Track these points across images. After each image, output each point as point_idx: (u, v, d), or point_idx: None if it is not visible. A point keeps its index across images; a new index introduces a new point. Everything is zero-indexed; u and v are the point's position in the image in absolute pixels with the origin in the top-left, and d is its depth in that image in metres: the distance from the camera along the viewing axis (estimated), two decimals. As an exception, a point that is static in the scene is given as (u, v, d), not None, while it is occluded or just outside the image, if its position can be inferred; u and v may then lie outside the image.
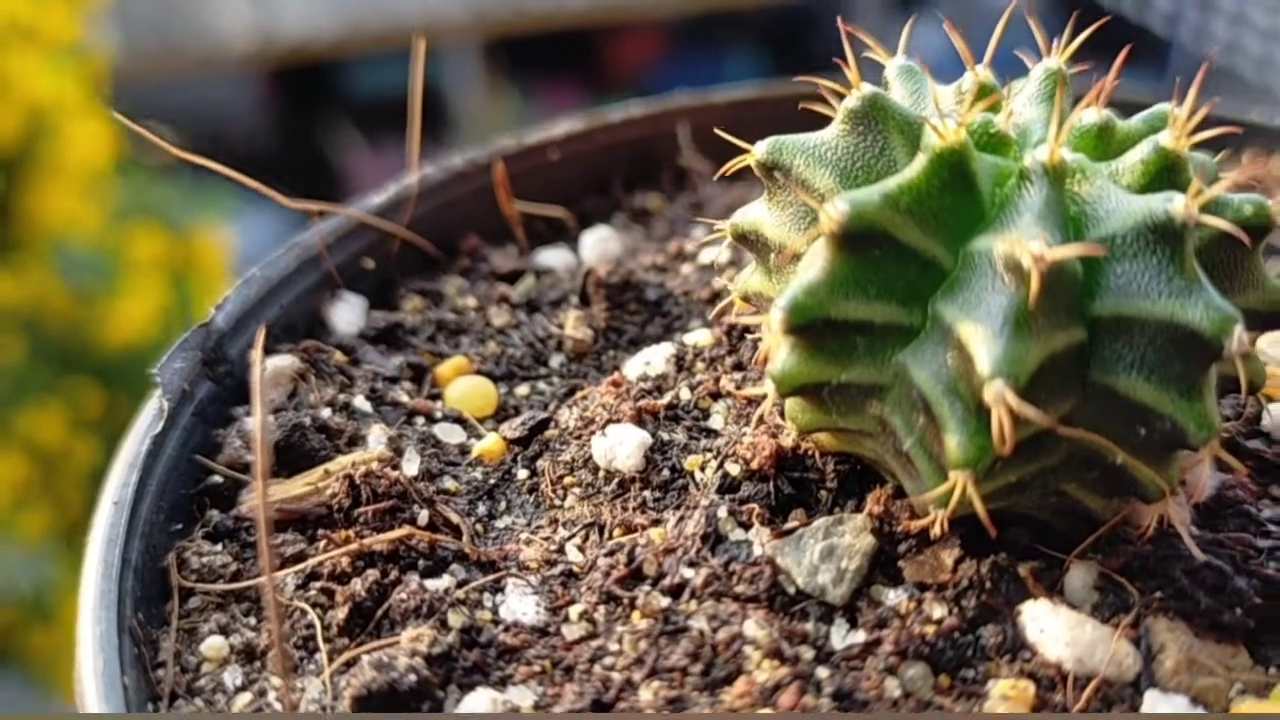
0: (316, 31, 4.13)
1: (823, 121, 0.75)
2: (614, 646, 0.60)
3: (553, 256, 0.90)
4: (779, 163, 0.64)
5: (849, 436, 0.65)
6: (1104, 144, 0.64)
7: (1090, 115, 0.64)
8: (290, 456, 0.71)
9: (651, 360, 0.77)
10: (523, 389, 0.79)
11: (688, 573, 0.63)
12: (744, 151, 0.65)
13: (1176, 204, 0.56)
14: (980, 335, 0.55)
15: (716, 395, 0.75)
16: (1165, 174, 0.61)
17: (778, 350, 0.61)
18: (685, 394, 0.75)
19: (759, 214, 0.66)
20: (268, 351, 0.77)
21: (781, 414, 0.66)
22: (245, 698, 0.59)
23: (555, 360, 0.81)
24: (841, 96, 0.65)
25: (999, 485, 0.59)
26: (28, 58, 2.72)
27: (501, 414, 0.78)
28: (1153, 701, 0.57)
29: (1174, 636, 0.59)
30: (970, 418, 0.56)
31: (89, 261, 2.53)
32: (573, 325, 0.82)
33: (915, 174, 0.58)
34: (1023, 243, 0.54)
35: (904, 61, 0.69)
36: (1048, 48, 0.68)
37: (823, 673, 0.58)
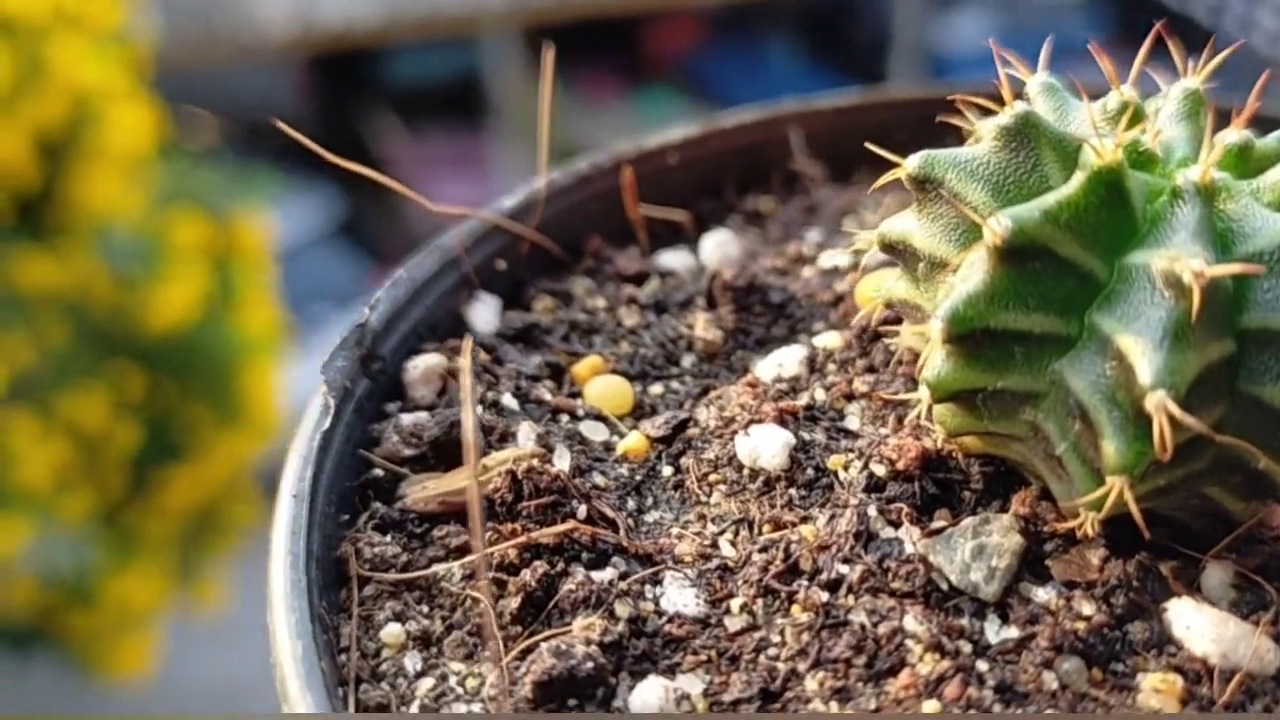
0: (357, 19, 4.16)
1: (925, 127, 0.79)
2: (776, 638, 0.63)
3: (674, 259, 0.93)
4: (931, 176, 0.67)
5: (997, 440, 0.68)
6: (1244, 162, 0.66)
7: (1233, 135, 0.66)
8: (448, 452, 0.74)
9: (784, 362, 0.80)
10: (657, 388, 0.82)
11: (843, 569, 0.66)
12: (892, 164, 0.68)
13: (1323, 223, 0.58)
14: (1141, 347, 0.58)
15: (850, 396, 0.78)
16: (1318, 193, 0.63)
17: (933, 357, 0.64)
18: (820, 395, 0.78)
19: (908, 224, 0.69)
20: (415, 350, 0.81)
21: (929, 417, 0.68)
22: (428, 682, 0.63)
23: (687, 360, 0.84)
24: (985, 110, 0.68)
25: (1149, 488, 0.62)
26: (71, 44, 2.75)
27: (639, 412, 0.81)
28: (1298, 697, 0.60)
29: (1319, 636, 0.62)
30: (1129, 425, 0.59)
31: (132, 247, 2.57)
32: (702, 326, 0.85)
33: (1074, 191, 0.61)
34: (1183, 260, 0.57)
35: (1046, 78, 0.71)
36: (1184, 68, 0.70)
37: (982, 666, 0.61)
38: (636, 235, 0.94)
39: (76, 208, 2.99)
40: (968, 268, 0.63)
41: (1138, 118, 0.68)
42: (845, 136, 0.98)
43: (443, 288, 0.84)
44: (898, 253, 0.70)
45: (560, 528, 0.68)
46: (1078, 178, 0.61)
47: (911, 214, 0.69)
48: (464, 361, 0.58)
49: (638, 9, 3.99)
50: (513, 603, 0.65)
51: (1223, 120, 0.67)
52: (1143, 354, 0.57)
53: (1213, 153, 0.62)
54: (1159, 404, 0.56)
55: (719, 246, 0.94)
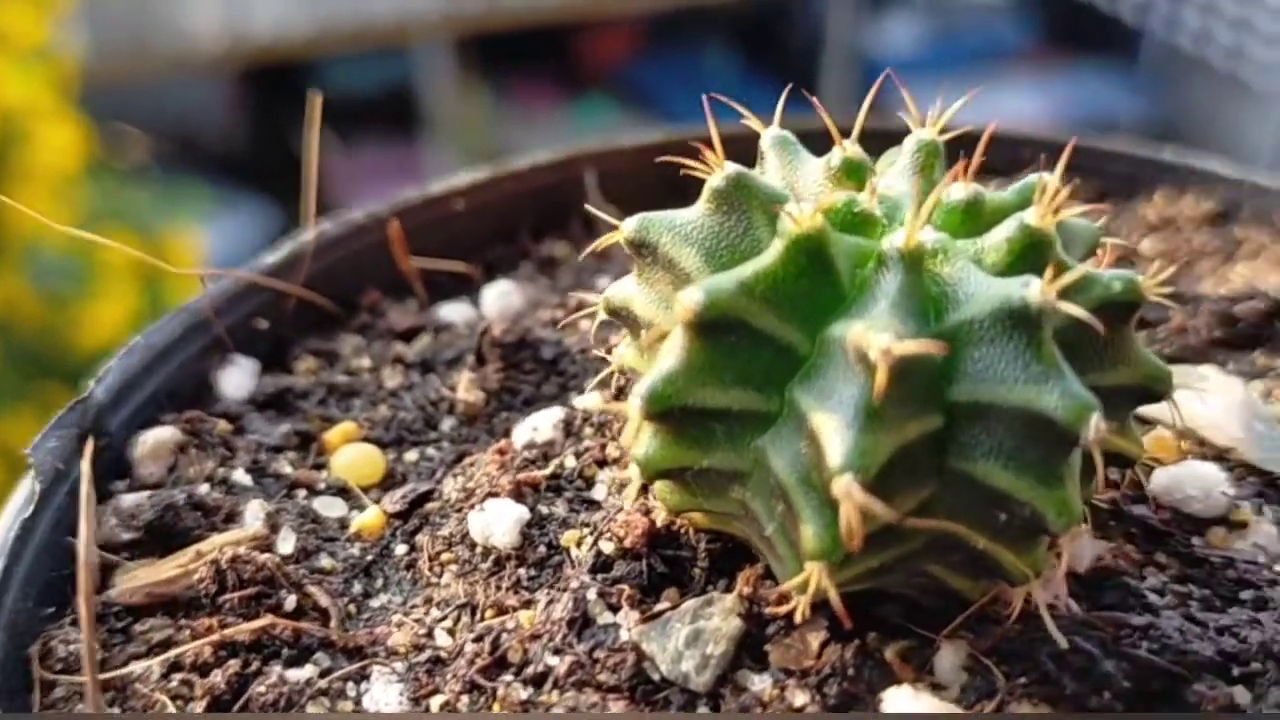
0: (288, 30, 4.12)
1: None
2: (477, 740, 0.60)
3: (454, 311, 0.89)
4: (646, 241, 0.63)
5: (718, 517, 0.64)
6: (972, 219, 0.63)
7: (958, 191, 0.63)
8: (163, 536, 0.70)
9: (539, 426, 0.77)
10: (412, 455, 0.78)
11: (552, 660, 0.62)
12: (614, 227, 0.64)
13: (1032, 290, 0.55)
14: (831, 426, 0.54)
15: (603, 463, 0.74)
16: (1030, 252, 0.60)
17: (641, 434, 0.61)
18: (570, 461, 0.74)
19: (630, 290, 0.65)
20: (149, 423, 0.76)
21: (648, 494, 0.65)
22: (98, 797, 0.59)
23: (447, 424, 0.80)
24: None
25: (860, 571, 0.59)
26: (-3, 62, 2.67)
27: (389, 481, 0.77)
28: (1011, 793, 0.56)
29: (1035, 724, 0.59)
30: (825, 509, 0.55)
31: (61, 266, 2.53)
32: (465, 388, 0.81)
33: (770, 261, 0.57)
34: (870, 335, 0.53)
35: (778, 132, 0.68)
36: (920, 120, 0.67)
37: (680, 767, 0.57)
38: (413, 288, 0.90)
39: (4, 228, 2.93)
40: (670, 341, 0.59)
41: (861, 174, 0.65)
42: (646, 177, 0.94)
43: (188, 352, 0.80)
44: (622, 318, 0.66)
45: (257, 623, 0.64)
46: (775, 246, 0.58)
47: (634, 278, 0.65)
48: (84, 489, 0.54)
49: (571, 18, 3.97)
50: (199, 707, 0.61)
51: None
52: (834, 434, 0.54)
53: (921, 213, 0.58)
54: (845, 489, 0.52)
55: (501, 297, 0.90)
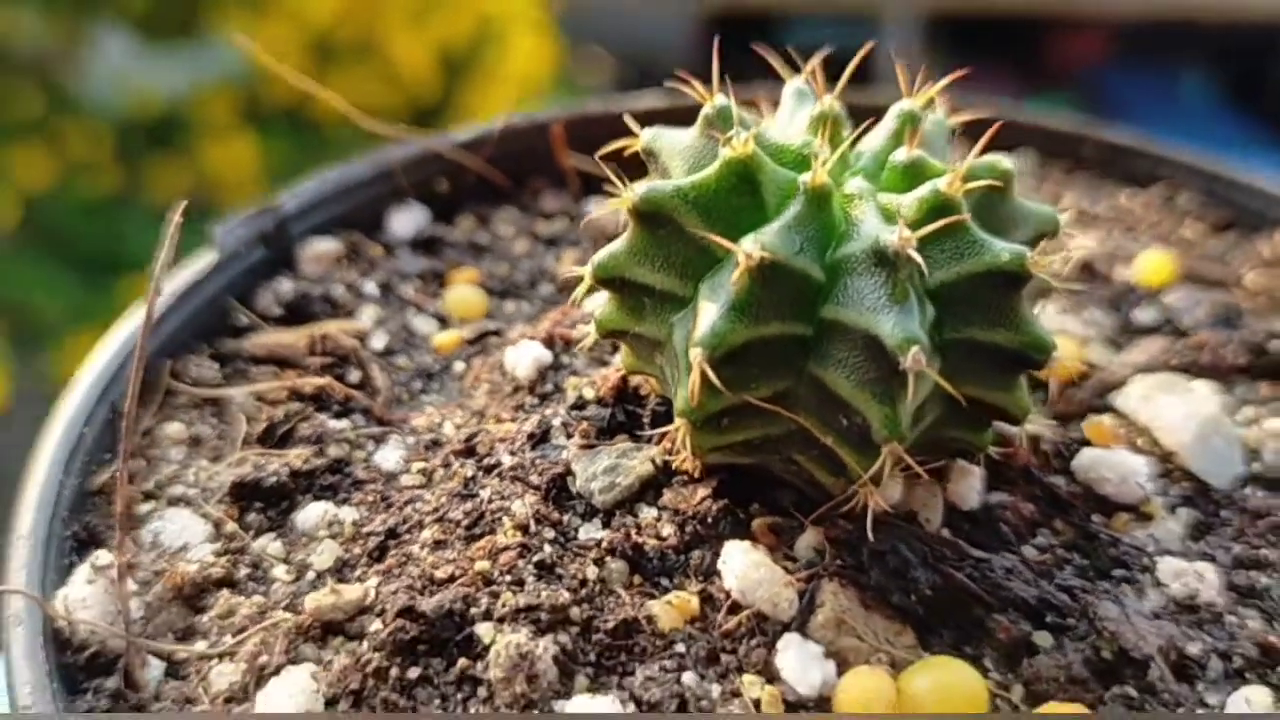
0: None
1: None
2: (428, 497, 0.78)
3: (595, 205, 1.07)
4: (651, 150, 0.78)
5: (660, 381, 0.79)
6: (911, 178, 0.73)
7: (900, 154, 0.73)
8: (297, 315, 0.93)
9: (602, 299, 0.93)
10: (510, 305, 0.97)
11: (505, 458, 0.79)
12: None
13: (892, 236, 0.66)
14: (704, 311, 0.68)
15: (633, 338, 0.89)
16: (935, 212, 0.70)
17: (599, 300, 0.76)
18: (607, 330, 0.90)
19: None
20: (320, 234, 1.00)
21: (615, 355, 0.80)
22: (172, 467, 0.82)
23: (545, 289, 0.98)
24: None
25: (731, 440, 0.72)
26: (483, -32, 3.00)
27: (489, 319, 0.96)
28: (787, 643, 0.68)
29: (835, 599, 0.70)
30: (687, 376, 0.69)
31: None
32: (566, 263, 0.98)
33: (706, 175, 0.71)
34: (746, 243, 0.66)
35: (799, 85, 0.80)
36: (909, 88, 0.77)
37: (547, 549, 0.73)
38: (568, 182, 1.08)
39: (465, 121, 3.33)
40: (624, 226, 0.74)
41: (838, 127, 0.76)
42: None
43: (372, 193, 1.02)
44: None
45: (320, 380, 0.85)
46: (713, 165, 0.71)
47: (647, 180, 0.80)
48: (130, 398, 0.74)
49: (1045, 13, 3.85)
50: (259, 427, 0.83)
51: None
52: (702, 316, 0.68)
53: (829, 160, 0.70)
54: (696, 360, 0.66)
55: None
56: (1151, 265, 0.95)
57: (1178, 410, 0.81)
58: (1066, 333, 0.89)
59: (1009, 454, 0.78)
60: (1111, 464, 0.79)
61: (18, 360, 3.08)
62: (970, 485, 0.77)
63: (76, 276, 3.24)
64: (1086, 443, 0.81)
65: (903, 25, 3.89)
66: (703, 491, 0.76)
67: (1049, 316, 0.90)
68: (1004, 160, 0.74)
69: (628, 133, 0.88)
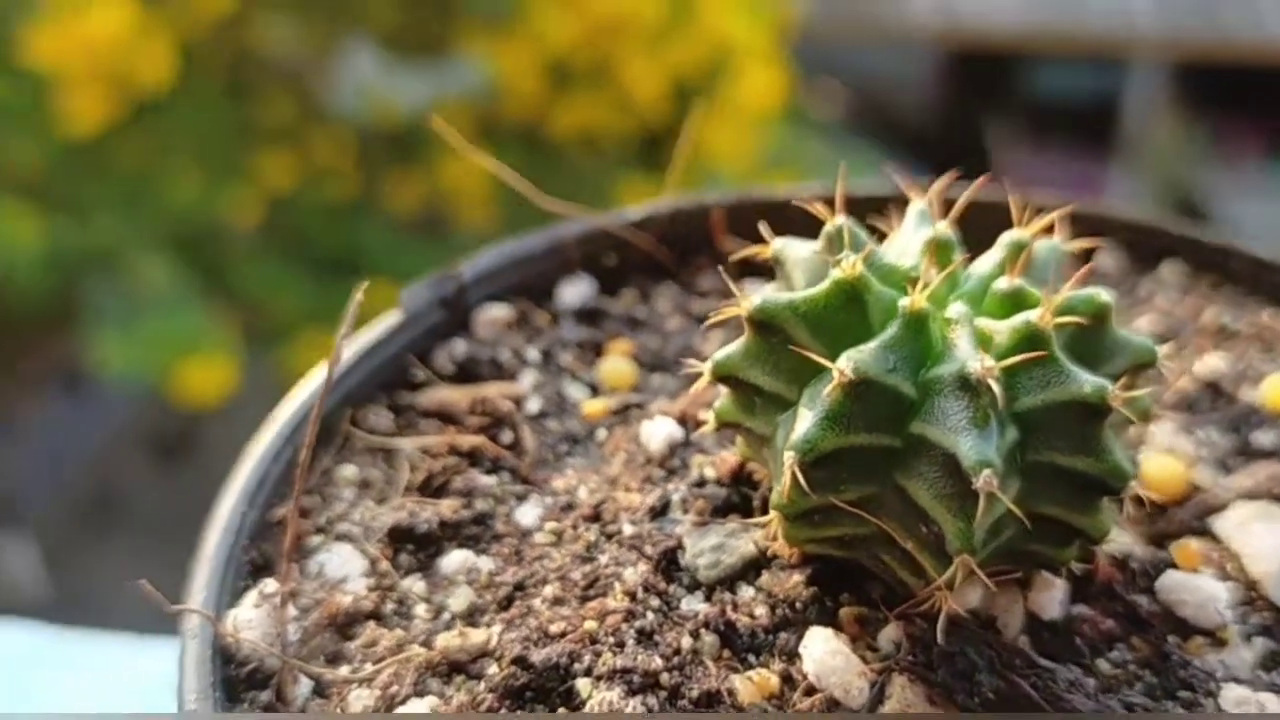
0: (1000, 22, 4.26)
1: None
2: (555, 555, 0.87)
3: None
4: (779, 257, 0.86)
5: (767, 471, 0.86)
6: (1011, 306, 0.79)
7: (1002, 283, 0.79)
8: (466, 374, 1.04)
9: (738, 383, 1.01)
10: (657, 379, 1.06)
11: (626, 527, 0.88)
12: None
13: (977, 364, 0.72)
14: (802, 417, 0.75)
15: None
16: (1026, 341, 0.75)
17: (719, 392, 0.84)
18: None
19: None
20: (495, 301, 1.11)
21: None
22: (342, 506, 0.94)
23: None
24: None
25: (823, 535, 0.79)
26: (722, -1, 3.11)
27: (636, 391, 1.05)
28: (855, 726, 0.75)
29: (903, 692, 0.76)
30: (783, 475, 0.76)
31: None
32: (714, 344, 1.07)
33: (817, 292, 0.78)
34: (843, 359, 0.74)
35: (921, 206, 0.86)
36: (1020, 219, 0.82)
37: (649, 616, 0.81)
38: (727, 263, 1.16)
39: (695, 151, 3.44)
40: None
41: (948, 250, 0.82)
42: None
43: (543, 266, 1.13)
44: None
45: (475, 440, 0.96)
46: (825, 283, 0.78)
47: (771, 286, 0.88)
48: (304, 451, 0.86)
49: None
50: (419, 476, 0.94)
51: None
52: (800, 423, 0.75)
53: (929, 287, 0.76)
54: (789, 461, 0.74)
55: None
56: (1278, 388, 0.97)
57: (1267, 539, 0.83)
58: (1176, 452, 0.92)
59: (1092, 570, 0.83)
60: (1191, 587, 0.82)
61: (249, 354, 3.34)
62: (1052, 596, 0.81)
63: (312, 277, 3.49)
64: (1174, 564, 0.84)
65: (1151, 71, 3.79)
66: (797, 577, 0.83)
67: (1163, 434, 0.93)
68: (1101, 293, 0.79)
69: (789, 217, 0.96)
